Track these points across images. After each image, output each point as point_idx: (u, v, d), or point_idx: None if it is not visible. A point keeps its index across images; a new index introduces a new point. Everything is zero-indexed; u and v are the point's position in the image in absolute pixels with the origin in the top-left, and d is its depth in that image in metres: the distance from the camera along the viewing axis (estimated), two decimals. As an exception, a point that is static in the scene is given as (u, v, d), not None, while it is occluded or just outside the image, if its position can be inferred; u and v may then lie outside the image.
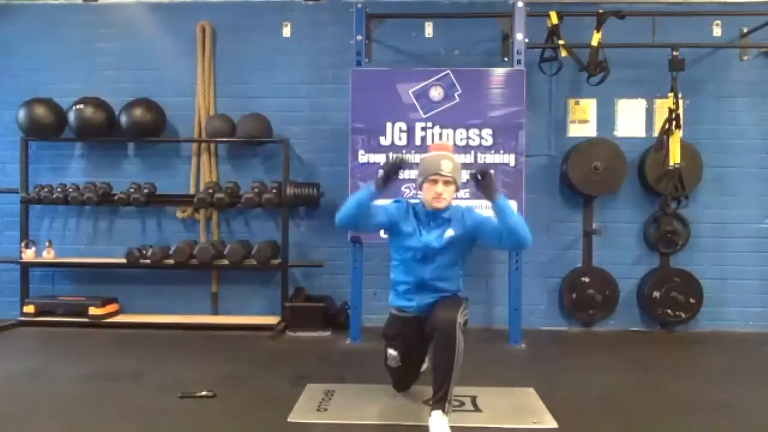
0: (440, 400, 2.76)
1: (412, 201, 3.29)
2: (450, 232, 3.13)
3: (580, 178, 5.35)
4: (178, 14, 5.74)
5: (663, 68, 5.16)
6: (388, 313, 3.36)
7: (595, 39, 5.05)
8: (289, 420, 3.05)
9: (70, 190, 5.52)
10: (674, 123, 5.09)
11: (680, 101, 5.18)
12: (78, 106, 5.44)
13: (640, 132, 5.53)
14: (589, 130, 5.54)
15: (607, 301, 5.40)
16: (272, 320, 5.38)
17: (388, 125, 4.83)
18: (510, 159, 4.79)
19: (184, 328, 5.22)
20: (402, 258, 3.20)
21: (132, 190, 5.48)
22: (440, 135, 4.80)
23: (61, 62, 5.76)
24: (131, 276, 5.69)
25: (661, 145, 5.16)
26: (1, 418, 3.08)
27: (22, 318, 5.42)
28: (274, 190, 5.41)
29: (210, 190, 5.42)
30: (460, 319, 2.89)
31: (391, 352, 3.22)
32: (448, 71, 4.85)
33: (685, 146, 5.20)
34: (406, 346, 3.21)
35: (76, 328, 5.24)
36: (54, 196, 5.49)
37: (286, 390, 3.54)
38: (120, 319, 5.47)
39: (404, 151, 4.74)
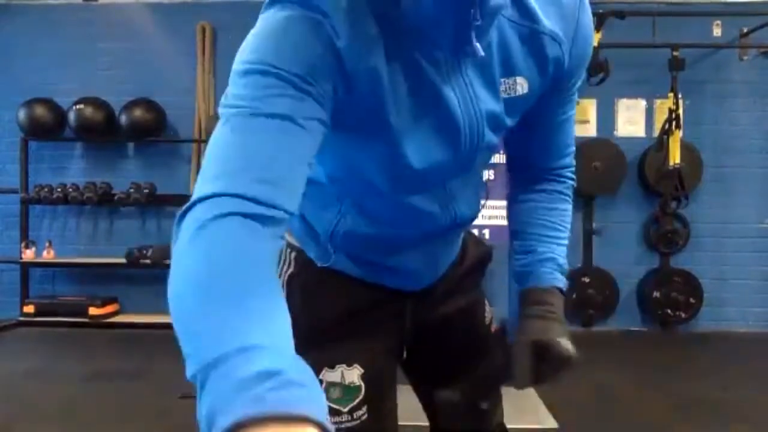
0: None
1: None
2: (520, 83, 0.95)
3: (579, 178, 5.33)
4: (178, 14, 5.73)
5: (663, 68, 5.16)
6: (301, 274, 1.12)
7: (595, 39, 5.05)
8: (289, 420, 3.04)
9: (70, 190, 5.52)
10: (674, 123, 5.09)
11: (680, 101, 5.18)
12: (78, 106, 5.43)
13: (640, 132, 5.52)
14: (589, 130, 5.53)
15: (607, 301, 5.40)
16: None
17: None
18: (502, 157, 4.77)
19: (184, 328, 5.21)
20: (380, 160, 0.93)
21: (132, 190, 5.48)
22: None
23: (61, 62, 5.76)
24: (131, 276, 5.68)
25: (661, 145, 5.16)
26: (1, 418, 3.08)
27: (22, 318, 5.42)
28: (274, 190, 5.40)
29: (210, 190, 5.41)
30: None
31: (336, 375, 1.05)
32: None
33: (685, 146, 5.19)
34: (375, 356, 1.09)
35: (76, 328, 5.23)
36: (54, 196, 5.49)
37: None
38: (120, 319, 5.47)
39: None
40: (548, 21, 0.93)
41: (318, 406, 0.53)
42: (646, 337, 5.31)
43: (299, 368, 0.55)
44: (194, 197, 0.70)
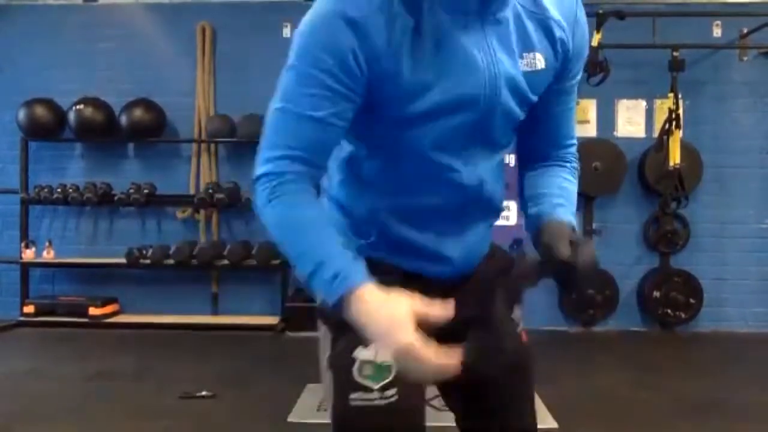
0: None
1: None
2: (538, 58, 1.10)
3: (580, 178, 5.33)
4: (178, 14, 5.73)
5: (663, 69, 5.16)
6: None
7: (595, 39, 5.05)
8: (289, 420, 3.05)
9: (70, 190, 5.51)
10: (674, 123, 5.09)
11: (680, 101, 5.18)
12: (78, 107, 5.43)
13: (640, 132, 5.53)
14: (589, 131, 5.53)
15: (607, 301, 5.40)
16: (272, 320, 5.37)
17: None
18: (511, 159, 4.76)
19: (184, 328, 5.21)
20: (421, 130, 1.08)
21: (132, 190, 5.48)
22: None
23: (61, 62, 5.76)
24: (131, 276, 5.68)
25: (661, 145, 5.16)
26: (1, 418, 3.08)
27: (22, 318, 5.41)
28: (274, 191, 5.40)
29: (210, 191, 5.42)
30: None
31: (369, 354, 1.08)
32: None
33: (685, 146, 5.20)
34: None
35: (76, 328, 5.23)
36: (54, 196, 5.48)
37: (286, 390, 3.53)
38: (120, 319, 5.47)
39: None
40: (554, 11, 1.10)
41: (357, 280, 0.97)
42: (646, 337, 5.31)
43: (352, 268, 0.98)
44: (263, 158, 1.09)
